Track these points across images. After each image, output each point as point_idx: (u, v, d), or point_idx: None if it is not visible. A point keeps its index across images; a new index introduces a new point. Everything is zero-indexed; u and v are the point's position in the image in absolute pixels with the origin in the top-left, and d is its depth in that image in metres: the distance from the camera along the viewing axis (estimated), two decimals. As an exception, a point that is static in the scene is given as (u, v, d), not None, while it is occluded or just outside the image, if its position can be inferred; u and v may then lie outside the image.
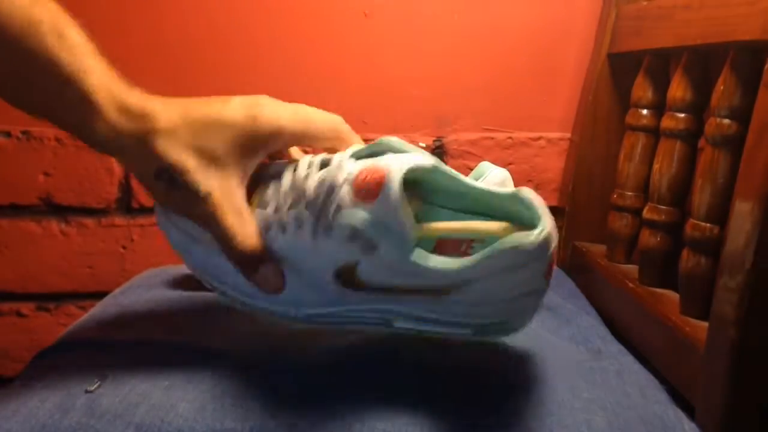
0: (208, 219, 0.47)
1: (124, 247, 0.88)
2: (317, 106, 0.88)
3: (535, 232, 0.43)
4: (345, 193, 0.45)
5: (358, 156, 0.48)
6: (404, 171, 0.44)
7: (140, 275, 0.73)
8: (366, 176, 0.45)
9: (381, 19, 0.85)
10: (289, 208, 0.47)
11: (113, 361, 0.51)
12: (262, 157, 0.49)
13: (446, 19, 0.86)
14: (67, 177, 0.86)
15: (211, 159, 0.46)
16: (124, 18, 0.83)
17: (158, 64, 0.84)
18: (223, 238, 0.47)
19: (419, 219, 0.50)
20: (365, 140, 0.87)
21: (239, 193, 0.48)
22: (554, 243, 0.45)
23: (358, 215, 0.44)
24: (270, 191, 0.50)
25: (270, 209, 0.49)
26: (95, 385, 0.47)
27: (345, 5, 0.85)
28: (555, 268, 0.79)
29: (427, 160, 0.47)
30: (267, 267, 0.48)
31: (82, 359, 0.52)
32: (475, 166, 0.68)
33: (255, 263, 0.47)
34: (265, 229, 0.48)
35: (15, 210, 0.86)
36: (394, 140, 0.49)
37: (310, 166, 0.49)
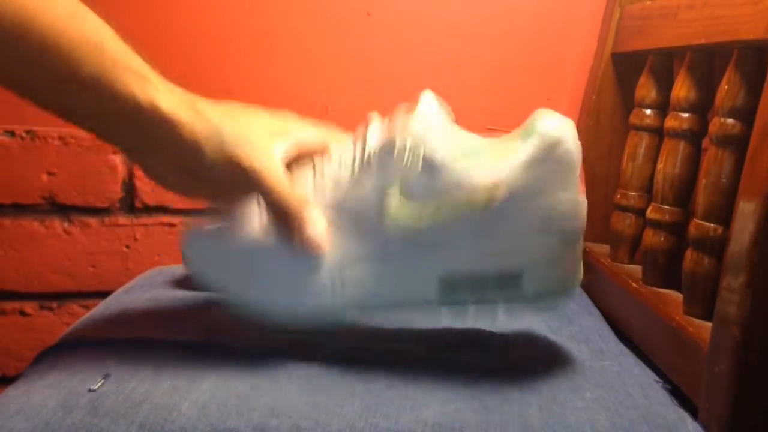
0: (260, 181, 0.49)
1: (127, 247, 0.88)
2: (319, 105, 0.88)
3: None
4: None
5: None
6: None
7: (143, 274, 0.73)
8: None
9: (383, 19, 0.85)
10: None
11: (116, 359, 0.51)
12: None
13: (448, 18, 0.86)
14: (70, 176, 0.86)
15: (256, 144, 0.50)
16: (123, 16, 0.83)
17: (158, 64, 0.84)
18: (274, 195, 0.49)
19: None
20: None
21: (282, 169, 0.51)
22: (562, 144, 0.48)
23: (397, 139, 0.48)
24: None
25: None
26: (98, 384, 0.47)
27: (347, 4, 0.85)
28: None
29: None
30: (313, 222, 0.50)
31: (85, 358, 0.52)
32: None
33: (302, 218, 0.49)
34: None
35: (18, 209, 0.86)
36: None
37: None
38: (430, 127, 0.49)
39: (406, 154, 0.48)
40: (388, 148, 0.49)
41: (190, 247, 0.54)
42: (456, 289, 0.50)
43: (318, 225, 0.50)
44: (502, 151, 0.50)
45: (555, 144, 0.48)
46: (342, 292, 0.50)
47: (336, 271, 0.50)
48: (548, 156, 0.48)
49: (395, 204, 0.49)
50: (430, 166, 0.48)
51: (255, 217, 0.52)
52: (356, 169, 0.50)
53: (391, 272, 0.50)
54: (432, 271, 0.50)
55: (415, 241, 0.49)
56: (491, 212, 0.48)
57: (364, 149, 0.51)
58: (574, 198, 0.50)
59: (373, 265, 0.50)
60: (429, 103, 0.50)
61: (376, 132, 0.52)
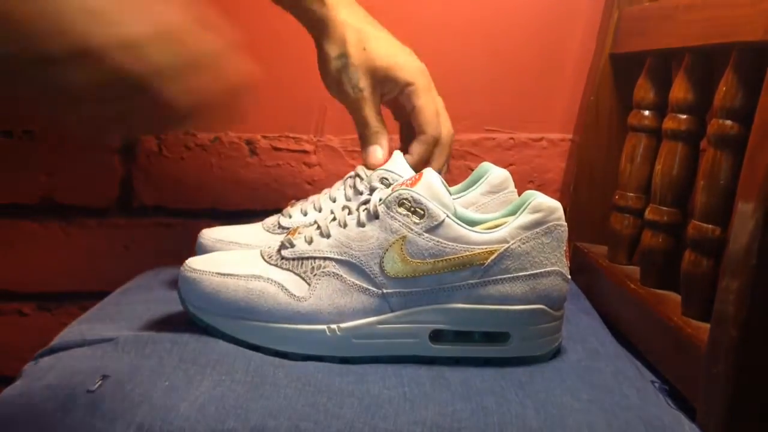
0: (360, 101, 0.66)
1: (125, 247, 0.88)
2: (318, 107, 0.88)
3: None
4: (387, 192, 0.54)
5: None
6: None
7: (141, 275, 0.73)
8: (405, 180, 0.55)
9: (382, 19, 0.85)
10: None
11: (114, 360, 0.51)
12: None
13: (447, 19, 0.86)
14: (68, 177, 0.86)
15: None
16: None
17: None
18: (363, 115, 0.66)
19: None
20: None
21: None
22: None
23: (404, 192, 0.52)
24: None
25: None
26: (97, 385, 0.47)
27: (347, 5, 0.85)
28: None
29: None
30: (382, 142, 0.66)
31: (83, 359, 0.52)
32: (477, 166, 0.68)
33: (376, 136, 0.66)
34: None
35: (16, 210, 0.86)
36: None
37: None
38: (433, 186, 0.52)
39: (412, 210, 0.52)
40: (394, 202, 0.52)
41: (186, 290, 0.55)
42: (445, 342, 0.53)
43: (382, 148, 0.66)
44: (496, 220, 0.55)
45: (549, 213, 0.53)
46: (336, 339, 0.53)
47: (334, 316, 0.52)
48: (542, 224, 0.53)
49: (396, 258, 0.52)
50: (433, 225, 0.51)
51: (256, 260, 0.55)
52: (362, 217, 0.53)
53: (386, 325, 0.53)
54: (424, 328, 0.53)
55: (410, 298, 0.52)
56: (485, 274, 0.52)
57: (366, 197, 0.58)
58: (561, 271, 0.54)
59: (370, 316, 0.53)
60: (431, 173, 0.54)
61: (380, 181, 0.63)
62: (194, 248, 0.65)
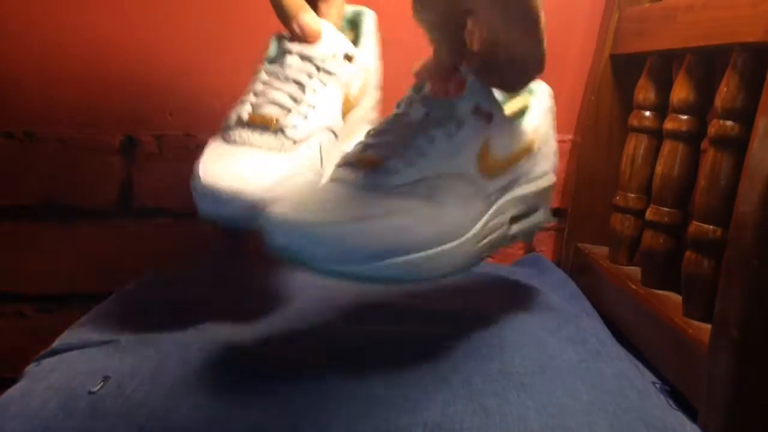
0: None
1: (125, 249, 0.88)
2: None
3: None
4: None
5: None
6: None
7: (142, 276, 0.73)
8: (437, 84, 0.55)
9: (381, 20, 0.85)
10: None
11: (115, 362, 0.51)
12: None
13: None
14: (69, 178, 0.86)
15: None
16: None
17: (156, 64, 0.84)
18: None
19: None
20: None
21: None
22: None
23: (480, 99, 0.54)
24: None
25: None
26: (98, 386, 0.47)
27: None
28: (557, 269, 0.79)
29: None
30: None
31: (84, 360, 0.52)
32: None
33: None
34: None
35: (17, 211, 0.86)
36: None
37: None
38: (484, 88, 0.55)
39: (486, 114, 0.54)
40: (473, 111, 0.53)
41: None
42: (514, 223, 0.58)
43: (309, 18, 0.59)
44: (515, 103, 0.62)
45: (550, 94, 0.63)
46: (474, 249, 0.53)
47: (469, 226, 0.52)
48: (550, 102, 0.62)
49: (488, 159, 0.54)
50: (506, 124, 0.56)
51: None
52: (451, 129, 0.53)
53: (492, 221, 0.54)
54: (507, 216, 0.56)
55: (499, 194, 0.55)
56: (535, 158, 0.59)
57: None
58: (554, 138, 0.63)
59: (484, 217, 0.53)
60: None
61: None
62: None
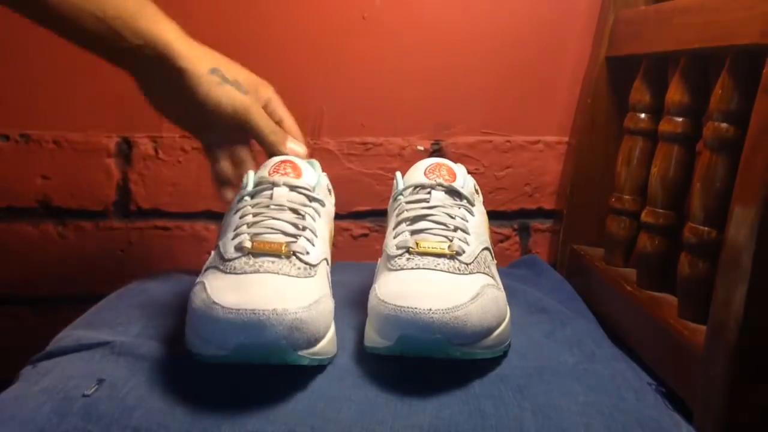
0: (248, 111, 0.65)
1: (121, 251, 0.88)
2: (315, 109, 0.88)
3: None
4: None
5: None
6: None
7: (138, 278, 0.73)
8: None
9: (379, 23, 0.85)
10: None
11: (110, 364, 0.51)
12: None
13: (444, 22, 0.86)
14: (65, 180, 0.86)
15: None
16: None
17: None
18: (261, 120, 0.65)
19: None
20: (363, 143, 0.87)
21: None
22: None
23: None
24: None
25: None
26: (92, 389, 0.47)
27: (343, 8, 0.85)
28: (553, 271, 0.79)
29: None
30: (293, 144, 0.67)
31: (78, 363, 0.52)
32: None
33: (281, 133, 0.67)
34: None
35: (12, 213, 0.86)
36: None
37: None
38: None
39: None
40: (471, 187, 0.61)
41: None
42: None
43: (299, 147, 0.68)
44: None
45: None
46: None
47: None
48: None
49: None
50: None
51: None
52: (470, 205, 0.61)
53: None
54: None
55: None
56: None
57: None
58: None
59: None
60: None
61: None
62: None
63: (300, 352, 0.47)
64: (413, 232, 0.56)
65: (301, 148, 0.67)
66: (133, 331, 0.56)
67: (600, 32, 0.81)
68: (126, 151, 0.86)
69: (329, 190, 0.64)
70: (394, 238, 0.57)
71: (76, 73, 0.83)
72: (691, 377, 0.52)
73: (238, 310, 0.46)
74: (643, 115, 0.71)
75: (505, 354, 0.54)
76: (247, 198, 0.57)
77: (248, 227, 0.54)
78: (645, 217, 0.66)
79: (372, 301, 0.52)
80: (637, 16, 0.74)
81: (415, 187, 0.60)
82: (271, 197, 0.56)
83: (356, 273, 0.66)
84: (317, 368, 0.50)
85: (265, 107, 0.67)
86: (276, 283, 0.50)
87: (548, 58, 0.88)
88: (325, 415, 0.46)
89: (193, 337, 0.49)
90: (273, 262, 0.51)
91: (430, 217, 0.57)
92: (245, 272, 0.50)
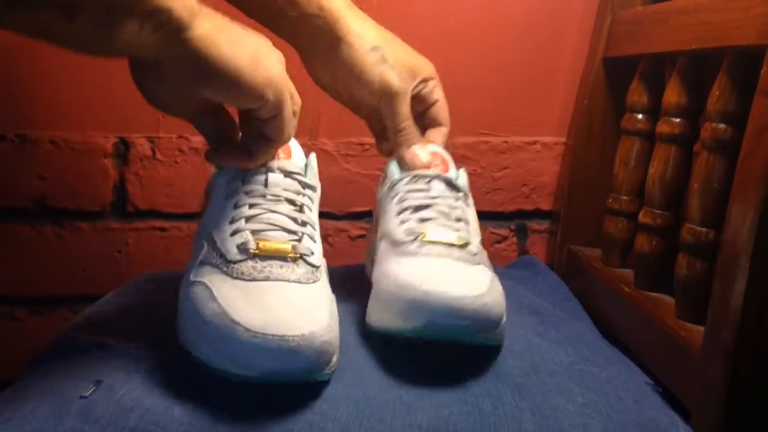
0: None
1: (118, 251, 0.88)
2: (314, 108, 0.88)
3: None
4: None
5: None
6: None
7: (134, 279, 0.73)
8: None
9: (377, 23, 0.85)
10: None
11: (107, 365, 0.51)
12: None
13: (442, 22, 0.86)
14: (61, 180, 0.86)
15: None
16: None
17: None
18: (403, 109, 0.64)
19: None
20: (360, 144, 0.87)
21: None
22: None
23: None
24: None
25: None
26: (90, 391, 0.47)
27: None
28: (550, 272, 0.79)
29: None
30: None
31: (76, 364, 0.51)
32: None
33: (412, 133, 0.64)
34: None
35: (9, 213, 0.86)
36: None
37: None
38: None
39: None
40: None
41: None
42: None
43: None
44: None
45: None
46: None
47: None
48: None
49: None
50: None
51: None
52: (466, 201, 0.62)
53: None
54: None
55: None
56: None
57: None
58: None
59: None
60: None
61: None
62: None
63: (324, 371, 0.47)
64: (421, 220, 0.57)
65: (424, 156, 0.62)
66: (131, 332, 0.56)
67: (597, 33, 0.81)
68: (123, 151, 0.86)
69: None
70: (401, 224, 0.57)
71: (73, 74, 0.83)
72: (688, 378, 0.52)
73: (264, 335, 0.44)
74: (640, 116, 0.71)
75: (499, 350, 0.55)
76: (240, 185, 0.54)
77: (246, 222, 0.52)
78: (642, 217, 0.66)
79: (389, 284, 0.53)
80: (635, 17, 0.75)
81: (414, 176, 0.61)
82: (265, 184, 0.54)
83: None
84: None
85: (423, 87, 0.66)
86: (291, 295, 0.49)
87: (545, 59, 0.88)
88: (323, 414, 0.46)
89: (205, 346, 0.48)
90: (281, 267, 0.50)
91: (434, 207, 0.58)
92: (254, 279, 0.49)
